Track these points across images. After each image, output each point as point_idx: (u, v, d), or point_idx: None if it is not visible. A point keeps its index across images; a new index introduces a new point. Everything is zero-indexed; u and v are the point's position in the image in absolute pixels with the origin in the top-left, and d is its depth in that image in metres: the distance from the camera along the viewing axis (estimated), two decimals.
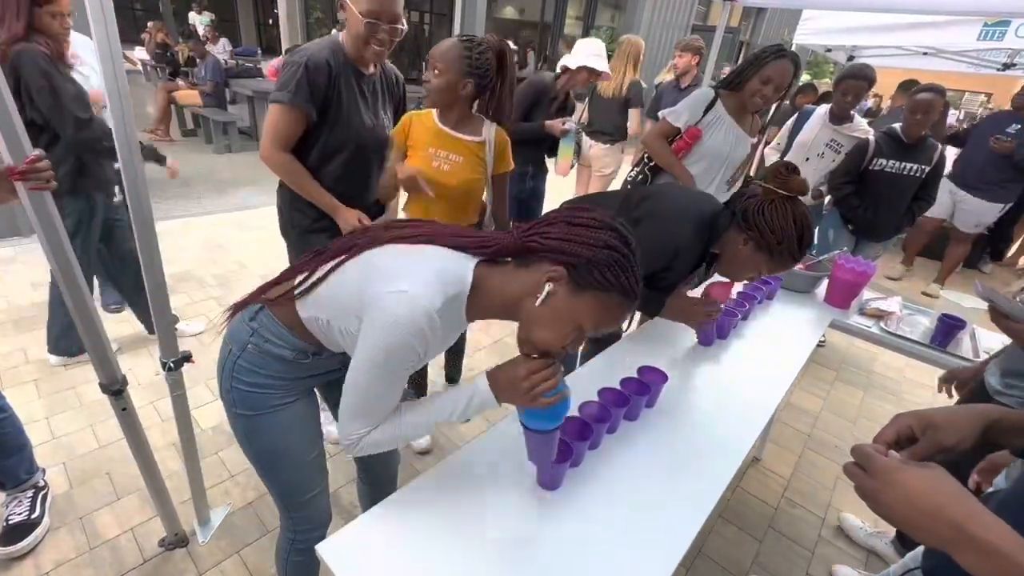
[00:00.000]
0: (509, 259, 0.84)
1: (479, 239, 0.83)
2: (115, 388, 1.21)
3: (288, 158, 1.47)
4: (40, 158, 0.95)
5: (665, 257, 1.30)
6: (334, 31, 1.46)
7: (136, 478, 1.73)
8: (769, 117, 4.52)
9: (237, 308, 0.95)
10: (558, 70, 2.60)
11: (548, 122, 2.46)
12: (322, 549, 0.81)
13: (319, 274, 0.85)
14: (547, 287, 0.76)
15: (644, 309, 1.50)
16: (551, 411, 0.85)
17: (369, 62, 1.51)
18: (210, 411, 2.08)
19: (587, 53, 2.46)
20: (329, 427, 1.95)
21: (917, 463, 0.57)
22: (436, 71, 1.50)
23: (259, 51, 9.14)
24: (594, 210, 0.81)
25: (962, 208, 3.87)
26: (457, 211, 1.70)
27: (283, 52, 6.83)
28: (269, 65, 6.49)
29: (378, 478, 1.33)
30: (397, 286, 0.74)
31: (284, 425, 0.98)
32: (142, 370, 2.26)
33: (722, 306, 1.50)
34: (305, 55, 1.39)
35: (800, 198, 1.25)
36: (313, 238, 1.63)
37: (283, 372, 0.95)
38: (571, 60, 2.50)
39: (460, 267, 0.81)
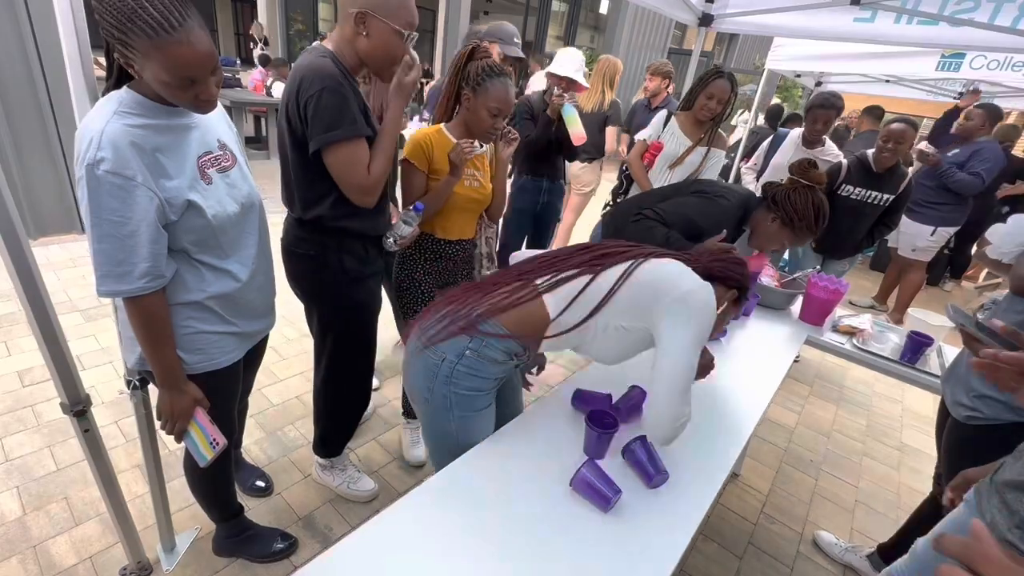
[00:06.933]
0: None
1: (687, 260, 1.13)
2: (78, 408, 1.15)
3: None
4: None
5: (709, 222, 1.67)
6: (317, 43, 1.37)
7: (96, 502, 1.64)
8: (743, 142, 4.68)
9: (463, 330, 1.06)
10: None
11: (550, 104, 2.37)
12: None
13: (606, 290, 1.05)
14: (726, 302, 1.12)
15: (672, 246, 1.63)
16: None
17: (387, 78, 1.35)
18: None
19: (558, 61, 2.62)
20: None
21: None
22: (502, 116, 1.53)
23: (238, 61, 9.00)
24: (736, 252, 1.20)
25: (900, 231, 3.79)
26: (473, 221, 1.74)
27: (259, 46, 6.83)
28: (252, 79, 6.37)
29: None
30: (700, 283, 1.03)
31: (482, 428, 1.13)
32: (105, 387, 2.16)
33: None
34: (333, 81, 1.20)
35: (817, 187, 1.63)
36: (368, 284, 1.51)
37: (493, 374, 1.10)
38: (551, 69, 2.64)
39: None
